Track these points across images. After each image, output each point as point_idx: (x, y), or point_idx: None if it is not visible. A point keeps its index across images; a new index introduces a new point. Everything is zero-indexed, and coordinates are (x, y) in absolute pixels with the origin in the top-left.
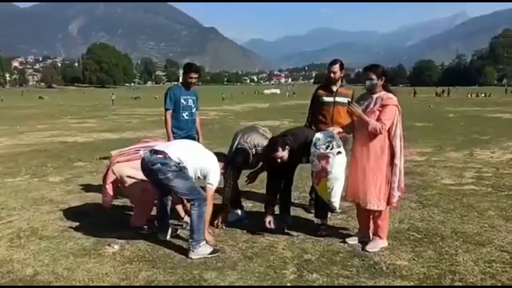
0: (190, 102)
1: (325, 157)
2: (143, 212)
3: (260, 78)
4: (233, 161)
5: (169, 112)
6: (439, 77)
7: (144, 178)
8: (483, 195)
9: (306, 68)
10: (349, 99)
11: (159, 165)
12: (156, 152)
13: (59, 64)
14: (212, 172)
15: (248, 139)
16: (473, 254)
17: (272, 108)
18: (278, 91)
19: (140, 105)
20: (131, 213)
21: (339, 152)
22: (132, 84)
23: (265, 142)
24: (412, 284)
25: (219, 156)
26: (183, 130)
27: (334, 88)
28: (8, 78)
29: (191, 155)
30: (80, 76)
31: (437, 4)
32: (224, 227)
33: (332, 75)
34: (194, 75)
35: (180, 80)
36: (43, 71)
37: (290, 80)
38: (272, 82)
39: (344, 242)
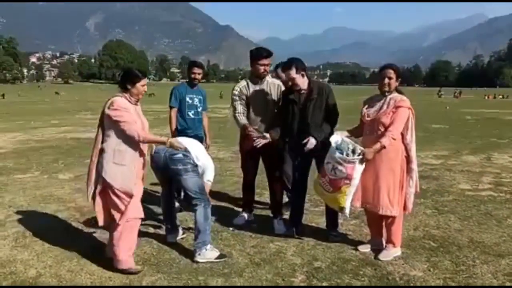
0: (196, 101)
1: (352, 163)
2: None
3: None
4: None
5: (174, 110)
6: (455, 78)
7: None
8: (501, 202)
9: (321, 67)
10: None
11: (181, 155)
12: None
13: (76, 60)
14: (210, 169)
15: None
16: (492, 266)
17: None
18: None
19: (155, 102)
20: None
21: (361, 160)
22: (147, 80)
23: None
24: None
25: None
26: (190, 129)
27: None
28: (25, 73)
29: (200, 153)
30: (96, 72)
31: (454, 5)
32: (232, 229)
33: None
34: (197, 70)
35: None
36: (60, 66)
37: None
38: None
39: (356, 249)
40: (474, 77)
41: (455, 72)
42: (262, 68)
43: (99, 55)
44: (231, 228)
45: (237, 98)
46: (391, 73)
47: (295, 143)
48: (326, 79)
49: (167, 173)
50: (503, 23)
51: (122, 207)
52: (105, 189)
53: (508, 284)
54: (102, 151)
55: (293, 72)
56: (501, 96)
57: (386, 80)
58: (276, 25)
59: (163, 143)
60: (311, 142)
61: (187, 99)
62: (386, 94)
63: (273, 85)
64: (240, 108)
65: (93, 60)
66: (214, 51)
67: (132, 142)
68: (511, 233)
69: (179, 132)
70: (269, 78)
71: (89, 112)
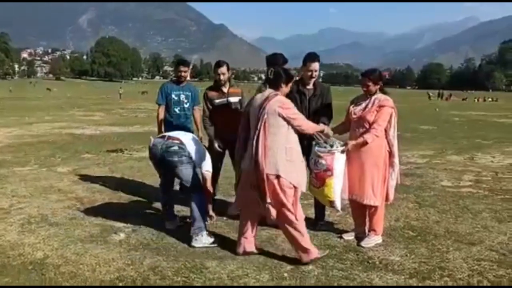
0: (182, 97)
1: (331, 154)
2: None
3: None
4: None
5: (161, 107)
6: (447, 81)
7: None
8: (479, 198)
9: None
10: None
11: (176, 147)
12: (169, 137)
13: (68, 57)
14: (207, 161)
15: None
16: (463, 252)
17: None
18: None
19: (148, 100)
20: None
21: (342, 151)
22: (140, 78)
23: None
24: (403, 278)
25: None
26: (176, 124)
27: (225, 90)
28: (17, 69)
29: (194, 146)
30: (88, 69)
31: (448, 8)
32: (225, 219)
33: (221, 76)
34: (183, 69)
35: (188, 77)
36: (51, 63)
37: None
38: None
39: (341, 237)
40: (465, 80)
41: (446, 75)
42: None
43: (92, 51)
44: (224, 218)
45: None
46: (367, 80)
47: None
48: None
49: (164, 165)
50: (496, 26)
51: (293, 203)
52: (274, 186)
53: (476, 267)
54: (265, 148)
55: (318, 65)
56: (490, 99)
57: (365, 88)
58: (270, 25)
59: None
60: (327, 129)
61: (173, 96)
62: (370, 95)
63: None
64: None
65: (85, 57)
66: (207, 50)
67: (295, 138)
68: (484, 224)
69: (166, 127)
70: None
71: (82, 109)
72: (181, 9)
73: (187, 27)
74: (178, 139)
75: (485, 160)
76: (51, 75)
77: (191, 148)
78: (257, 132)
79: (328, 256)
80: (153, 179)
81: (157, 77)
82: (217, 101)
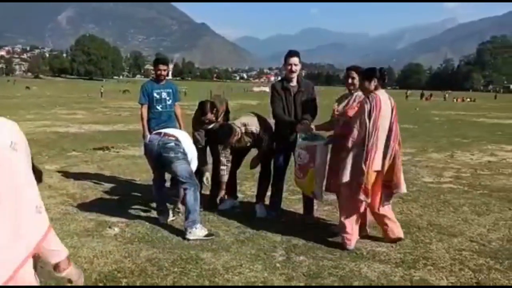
0: (164, 95)
1: (313, 147)
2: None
3: (250, 76)
4: (219, 138)
5: (144, 107)
6: (426, 81)
7: None
8: (459, 193)
9: None
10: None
11: (173, 144)
12: (165, 134)
13: (47, 55)
14: (195, 158)
15: (236, 121)
16: (446, 243)
17: (262, 105)
18: (267, 89)
19: (130, 99)
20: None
21: (326, 143)
22: (121, 77)
23: (254, 120)
24: (389, 267)
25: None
26: (159, 122)
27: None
28: None
29: (188, 143)
30: (68, 68)
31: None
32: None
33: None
34: (162, 67)
35: (170, 76)
36: (30, 61)
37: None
38: (262, 80)
39: (330, 230)
40: (444, 80)
41: (426, 75)
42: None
43: (71, 50)
44: (216, 212)
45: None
46: (354, 73)
47: (285, 129)
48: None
49: (160, 160)
50: (473, 28)
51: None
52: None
53: (457, 256)
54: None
55: (297, 60)
56: (468, 99)
57: (350, 80)
58: (252, 24)
59: None
60: (305, 123)
61: (155, 94)
62: (353, 91)
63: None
64: None
65: (65, 55)
66: (189, 49)
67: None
68: (464, 217)
69: (151, 125)
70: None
71: (63, 108)
72: (163, 8)
73: (169, 26)
74: (174, 136)
75: (465, 157)
76: (29, 73)
77: (185, 144)
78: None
79: (318, 248)
80: (142, 176)
81: (138, 75)
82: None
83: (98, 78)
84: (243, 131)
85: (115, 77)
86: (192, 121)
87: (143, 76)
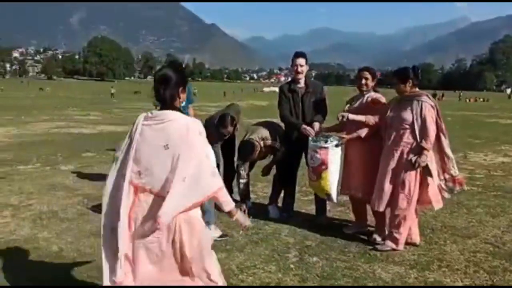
0: None
1: (325, 149)
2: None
3: (260, 76)
4: (241, 154)
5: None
6: (438, 81)
7: None
8: (473, 194)
9: None
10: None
11: None
12: None
13: (60, 56)
14: (212, 157)
15: (254, 135)
16: (460, 245)
17: (271, 106)
18: (277, 89)
19: (141, 99)
20: None
21: (337, 145)
22: (132, 78)
23: (269, 132)
24: (403, 268)
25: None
26: None
27: None
28: (8, 68)
29: None
30: (80, 69)
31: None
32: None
33: None
34: None
35: None
36: (43, 62)
37: (289, 79)
38: (272, 80)
39: (342, 231)
40: (456, 81)
41: (437, 75)
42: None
43: (84, 51)
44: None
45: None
46: (367, 74)
47: (293, 132)
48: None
49: None
50: (486, 27)
51: None
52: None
53: (472, 258)
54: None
55: (304, 61)
56: (481, 99)
57: (363, 81)
58: (261, 24)
59: None
60: (316, 125)
61: None
62: (365, 93)
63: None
64: None
65: (77, 57)
66: (199, 50)
67: None
68: (478, 219)
69: None
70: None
71: (77, 109)
72: (173, 8)
73: (179, 26)
74: None
75: (478, 158)
76: (43, 75)
77: None
78: None
79: (331, 249)
80: None
81: (149, 76)
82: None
83: (109, 79)
84: (262, 145)
85: (126, 78)
86: (207, 133)
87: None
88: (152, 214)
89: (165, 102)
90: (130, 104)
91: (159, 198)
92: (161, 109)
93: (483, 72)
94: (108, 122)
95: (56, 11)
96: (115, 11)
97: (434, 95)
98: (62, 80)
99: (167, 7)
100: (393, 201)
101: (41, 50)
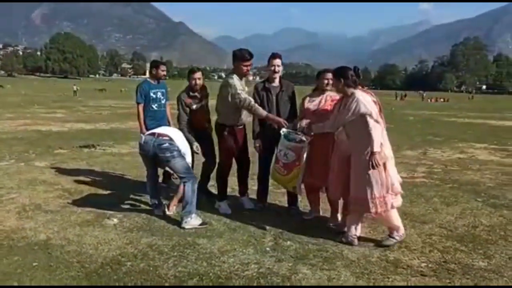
0: (159, 94)
1: (300, 148)
2: None
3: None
4: None
5: (141, 106)
6: (402, 81)
7: None
8: (431, 186)
9: None
10: None
11: (167, 144)
12: (159, 135)
13: (21, 53)
14: (189, 151)
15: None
16: (418, 229)
17: None
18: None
19: (107, 97)
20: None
21: (308, 143)
22: (97, 75)
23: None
24: (367, 249)
25: None
26: (154, 120)
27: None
28: None
29: (181, 140)
30: (42, 66)
31: (403, 11)
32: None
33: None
34: (163, 68)
35: (147, 74)
36: (3, 59)
37: (258, 78)
38: None
39: (309, 219)
40: (418, 81)
41: (401, 76)
42: (245, 69)
43: (46, 48)
44: (208, 204)
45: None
46: (329, 75)
47: (270, 128)
48: None
49: (157, 160)
50: (447, 29)
51: None
52: None
53: (428, 240)
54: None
55: (280, 62)
56: (442, 99)
57: (326, 81)
58: (230, 24)
59: None
60: (306, 122)
61: (151, 94)
62: (323, 92)
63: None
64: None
65: (39, 53)
66: (167, 48)
67: None
68: (435, 207)
69: (147, 123)
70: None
71: (42, 106)
72: (139, 6)
73: (146, 24)
74: (167, 135)
75: (437, 154)
76: (2, 72)
77: (179, 142)
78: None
79: (303, 233)
80: (132, 172)
81: (115, 74)
82: (194, 106)
83: (74, 77)
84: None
85: (91, 75)
86: (178, 118)
87: (120, 75)
88: None
89: None
90: (95, 101)
91: None
92: None
93: (444, 73)
94: (76, 119)
95: (17, 6)
96: (79, 7)
97: (396, 95)
98: (23, 78)
99: (133, 5)
100: (345, 190)
101: (1, 46)
